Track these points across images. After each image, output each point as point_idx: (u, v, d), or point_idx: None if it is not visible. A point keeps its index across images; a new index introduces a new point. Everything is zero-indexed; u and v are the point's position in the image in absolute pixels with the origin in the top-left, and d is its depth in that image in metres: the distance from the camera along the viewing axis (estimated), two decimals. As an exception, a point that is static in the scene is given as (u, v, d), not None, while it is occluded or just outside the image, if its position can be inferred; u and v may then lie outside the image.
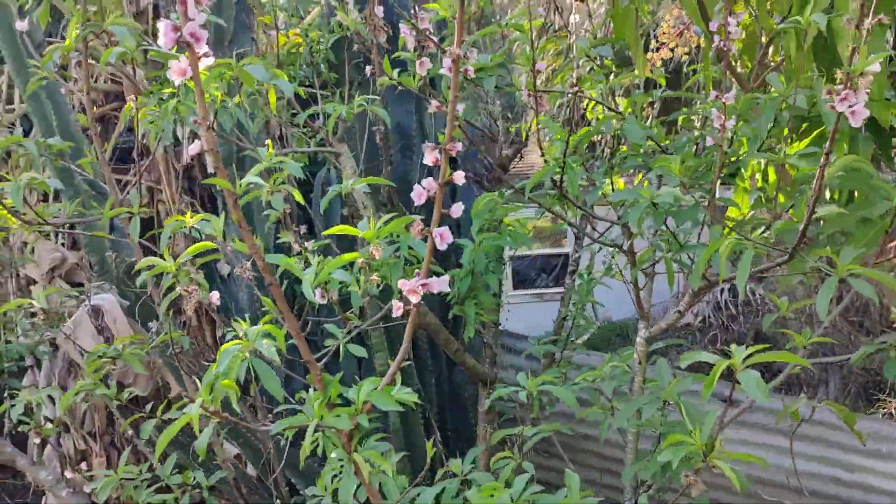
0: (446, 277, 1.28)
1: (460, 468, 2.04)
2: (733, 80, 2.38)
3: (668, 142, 2.21)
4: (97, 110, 4.00)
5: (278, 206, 1.81)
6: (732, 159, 2.02)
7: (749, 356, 1.35)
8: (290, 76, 2.74)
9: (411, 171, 3.27)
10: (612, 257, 2.51)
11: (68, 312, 3.13)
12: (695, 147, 2.15)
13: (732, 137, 1.96)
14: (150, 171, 4.24)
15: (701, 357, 1.37)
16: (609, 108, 2.02)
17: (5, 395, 3.08)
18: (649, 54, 3.85)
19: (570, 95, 2.18)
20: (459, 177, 1.20)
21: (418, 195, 1.21)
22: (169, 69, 1.12)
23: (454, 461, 2.05)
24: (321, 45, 2.66)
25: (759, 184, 2.47)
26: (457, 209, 1.24)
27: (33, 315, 3.54)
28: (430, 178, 1.20)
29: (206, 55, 1.14)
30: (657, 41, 3.82)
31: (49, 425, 2.45)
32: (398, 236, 1.69)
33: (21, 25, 2.13)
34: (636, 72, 2.06)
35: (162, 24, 1.09)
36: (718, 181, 1.92)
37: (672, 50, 3.74)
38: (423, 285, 1.25)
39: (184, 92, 2.10)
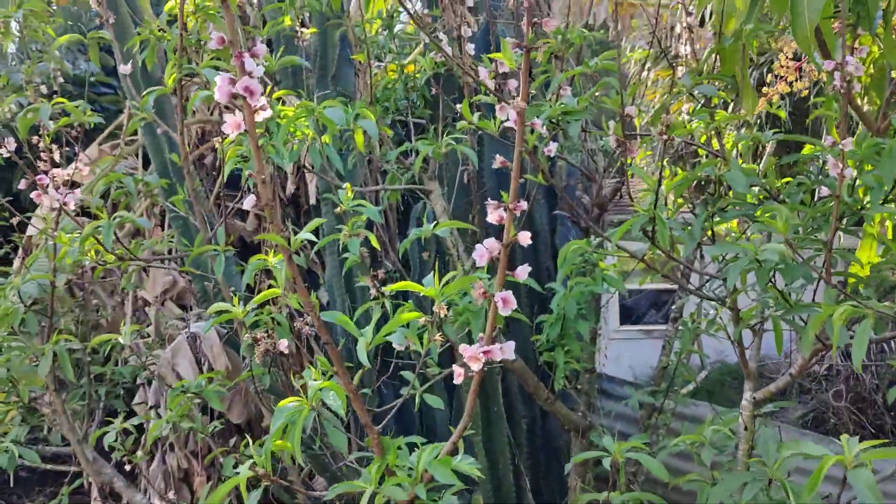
0: (511, 344, 1.18)
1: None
2: (859, 119, 2.16)
3: (780, 184, 2.01)
4: (211, 142, 4.17)
5: (355, 250, 1.77)
6: (855, 209, 1.80)
7: (864, 451, 1.17)
8: (386, 109, 2.73)
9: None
10: (716, 310, 2.32)
11: (170, 336, 3.24)
12: (812, 194, 1.94)
13: (853, 185, 1.75)
14: (258, 198, 4.36)
15: (806, 449, 1.19)
16: (712, 152, 1.86)
17: (119, 413, 3.21)
18: (765, 89, 3.60)
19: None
20: (525, 237, 1.10)
21: (480, 256, 1.12)
22: (224, 123, 1.09)
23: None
24: (416, 80, 2.64)
25: (890, 234, 2.21)
26: (522, 272, 1.14)
27: (146, 336, 3.70)
28: (493, 239, 1.11)
29: (262, 108, 1.10)
30: (774, 75, 3.58)
31: (139, 453, 2.50)
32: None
33: (124, 69, 2.21)
34: (743, 111, 1.89)
35: (218, 78, 1.07)
36: (838, 233, 1.72)
37: (791, 84, 3.48)
38: (485, 353, 1.16)
39: (274, 129, 2.11)
